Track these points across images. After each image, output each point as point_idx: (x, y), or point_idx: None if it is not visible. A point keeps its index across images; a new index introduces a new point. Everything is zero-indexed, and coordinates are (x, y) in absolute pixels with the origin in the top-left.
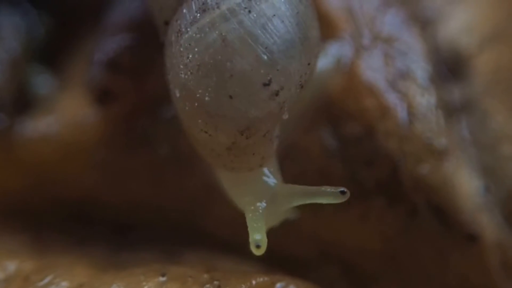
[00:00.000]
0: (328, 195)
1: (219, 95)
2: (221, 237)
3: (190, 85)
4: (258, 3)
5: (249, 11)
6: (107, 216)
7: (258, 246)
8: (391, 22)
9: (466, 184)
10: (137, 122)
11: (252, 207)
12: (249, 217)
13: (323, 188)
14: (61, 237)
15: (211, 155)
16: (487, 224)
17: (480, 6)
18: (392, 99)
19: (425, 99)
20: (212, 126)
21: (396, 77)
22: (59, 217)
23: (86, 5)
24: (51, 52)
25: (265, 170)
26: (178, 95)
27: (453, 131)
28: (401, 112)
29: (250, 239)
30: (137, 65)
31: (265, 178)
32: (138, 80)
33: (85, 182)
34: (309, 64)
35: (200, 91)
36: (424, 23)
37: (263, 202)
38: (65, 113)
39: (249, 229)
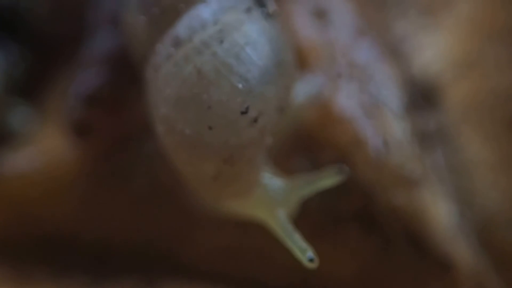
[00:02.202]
0: (330, 176)
1: (199, 127)
2: (201, 266)
3: (170, 119)
4: (230, 33)
5: (222, 42)
6: (86, 247)
7: (311, 260)
8: (365, 50)
9: (441, 212)
10: (116, 156)
11: (273, 217)
12: (274, 229)
13: (321, 172)
14: (41, 268)
15: (200, 187)
16: (463, 251)
17: (455, 34)
18: (366, 127)
19: (400, 128)
20: (196, 158)
21: (370, 105)
22: (38, 248)
23: (65, 39)
24: (31, 87)
25: (265, 177)
26: (160, 129)
27: (428, 159)
28: (375, 140)
29: (301, 260)
30: (115, 99)
31: (269, 184)
32: (117, 114)
33: (65, 215)
34: (286, 87)
35: (180, 124)
36: (398, 52)
37: (280, 208)
38: (44, 148)
39: (290, 247)
